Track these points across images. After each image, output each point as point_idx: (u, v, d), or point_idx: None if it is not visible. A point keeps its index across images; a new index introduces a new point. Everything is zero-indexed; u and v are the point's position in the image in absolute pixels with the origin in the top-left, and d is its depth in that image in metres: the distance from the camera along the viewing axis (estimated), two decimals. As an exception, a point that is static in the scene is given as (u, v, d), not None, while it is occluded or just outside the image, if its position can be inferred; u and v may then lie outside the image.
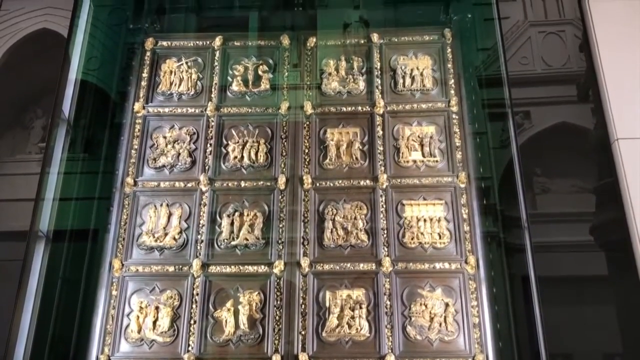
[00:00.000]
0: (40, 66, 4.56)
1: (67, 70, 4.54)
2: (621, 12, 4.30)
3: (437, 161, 4.40)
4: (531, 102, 4.27)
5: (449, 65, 4.73)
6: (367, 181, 4.37)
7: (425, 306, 3.95)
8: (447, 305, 3.95)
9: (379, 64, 4.79)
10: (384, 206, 4.27)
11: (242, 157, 4.47)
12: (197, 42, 4.96)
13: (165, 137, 4.57)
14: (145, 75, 4.82)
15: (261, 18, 5.18)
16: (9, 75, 4.49)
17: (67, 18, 4.60)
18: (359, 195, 4.33)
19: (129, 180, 4.40)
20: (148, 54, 4.90)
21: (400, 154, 4.43)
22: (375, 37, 4.86)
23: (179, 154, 4.50)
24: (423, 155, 4.42)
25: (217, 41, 4.91)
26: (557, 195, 4.01)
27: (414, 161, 4.41)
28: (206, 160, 4.49)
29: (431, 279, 4.04)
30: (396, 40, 4.88)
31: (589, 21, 4.29)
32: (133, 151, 4.54)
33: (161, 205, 4.35)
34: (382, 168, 4.39)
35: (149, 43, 4.92)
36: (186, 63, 4.84)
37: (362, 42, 4.90)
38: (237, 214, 4.28)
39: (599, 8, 4.32)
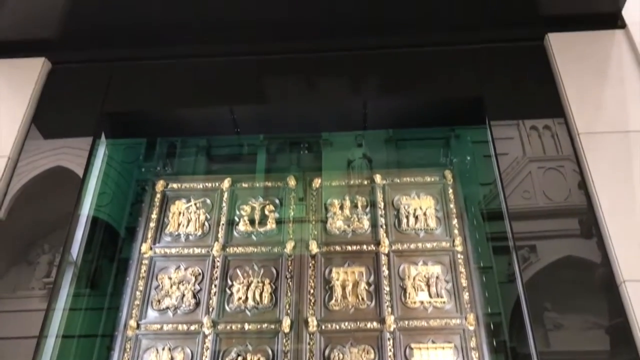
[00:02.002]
0: (50, 202, 4.62)
1: (79, 208, 4.59)
2: (614, 150, 4.32)
3: (444, 302, 4.34)
4: (536, 235, 4.22)
5: (452, 205, 4.81)
6: (374, 323, 4.28)
7: None
8: None
9: (382, 203, 4.87)
10: (392, 350, 4.14)
11: (247, 298, 4.42)
12: (206, 184, 5.09)
13: (170, 278, 4.55)
14: (154, 216, 4.90)
15: (268, 159, 5.38)
16: (20, 212, 4.53)
17: (81, 156, 4.71)
18: (365, 339, 4.20)
19: (132, 323, 4.33)
20: (158, 195, 5.02)
21: (407, 295, 4.38)
22: (378, 177, 5.00)
23: (184, 295, 4.46)
24: (430, 296, 4.36)
25: (226, 183, 5.05)
26: (569, 332, 3.83)
27: (421, 302, 4.34)
28: (210, 301, 4.43)
29: None
30: (398, 181, 5.01)
31: (582, 159, 4.32)
32: (138, 292, 4.50)
33: (163, 349, 4.24)
34: (389, 309, 4.31)
35: (159, 185, 5.05)
36: (195, 204, 4.95)
37: (366, 182, 5.03)
38: (240, 358, 4.16)
39: (591, 145, 4.34)
